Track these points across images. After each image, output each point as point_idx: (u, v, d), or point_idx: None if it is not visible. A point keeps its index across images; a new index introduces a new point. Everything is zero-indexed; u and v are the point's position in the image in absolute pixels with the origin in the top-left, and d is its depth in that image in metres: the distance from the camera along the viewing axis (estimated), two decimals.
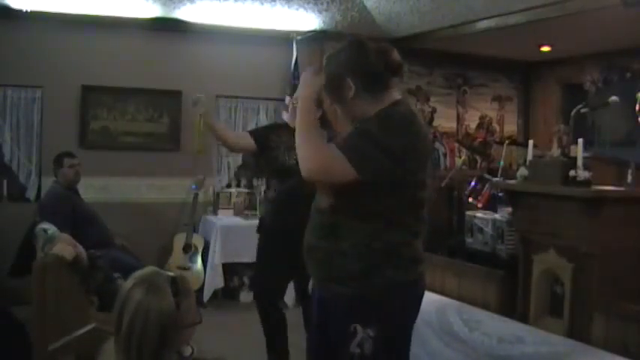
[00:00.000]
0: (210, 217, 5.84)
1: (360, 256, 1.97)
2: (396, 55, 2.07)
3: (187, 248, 5.52)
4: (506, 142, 5.13)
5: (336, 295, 2.03)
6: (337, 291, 2.02)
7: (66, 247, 3.61)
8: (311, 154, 1.95)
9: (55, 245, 3.60)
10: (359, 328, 1.97)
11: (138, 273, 1.71)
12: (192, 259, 5.52)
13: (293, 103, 3.35)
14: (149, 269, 1.73)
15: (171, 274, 1.72)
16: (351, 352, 1.96)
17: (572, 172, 3.36)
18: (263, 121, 6.03)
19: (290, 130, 3.46)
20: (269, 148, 3.60)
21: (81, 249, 3.71)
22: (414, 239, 2.06)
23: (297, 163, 3.20)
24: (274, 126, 3.99)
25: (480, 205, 4.89)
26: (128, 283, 1.67)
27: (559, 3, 4.55)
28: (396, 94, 2.08)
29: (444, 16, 5.47)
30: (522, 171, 3.79)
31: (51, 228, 4.10)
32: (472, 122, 7.18)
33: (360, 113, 2.06)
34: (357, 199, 1.97)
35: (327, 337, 2.10)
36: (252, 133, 3.77)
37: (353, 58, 2.05)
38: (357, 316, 1.98)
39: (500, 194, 4.73)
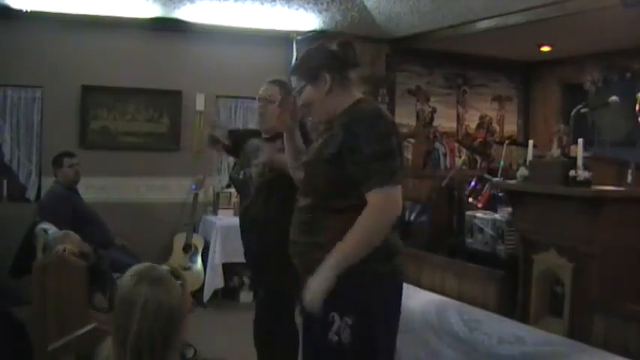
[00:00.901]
0: (210, 217, 5.84)
1: None
2: (354, 46, 2.19)
3: (187, 248, 5.53)
4: (506, 142, 5.13)
5: None
6: None
7: (70, 244, 3.64)
8: (383, 225, 2.03)
9: (60, 243, 3.61)
10: (336, 316, 2.03)
11: (136, 271, 1.64)
12: (192, 259, 5.52)
13: (260, 106, 3.07)
14: (144, 265, 1.68)
15: (166, 267, 1.69)
16: (329, 339, 2.02)
17: (572, 172, 3.36)
18: None
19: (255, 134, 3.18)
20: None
21: (87, 247, 3.74)
22: (389, 231, 2.12)
23: (244, 180, 3.07)
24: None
25: (479, 205, 4.89)
26: (129, 282, 1.60)
27: (559, 3, 4.55)
28: (356, 91, 2.20)
29: (444, 16, 5.47)
30: (522, 171, 3.79)
31: (51, 228, 4.11)
32: (472, 122, 7.17)
33: (331, 107, 2.16)
34: (334, 197, 2.07)
35: (312, 328, 2.16)
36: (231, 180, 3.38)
37: (332, 54, 2.16)
38: (335, 305, 2.04)
39: (500, 194, 4.73)
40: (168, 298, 1.58)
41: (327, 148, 2.09)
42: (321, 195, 2.10)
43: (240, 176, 3.14)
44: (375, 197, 2.00)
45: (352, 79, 2.20)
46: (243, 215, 3.10)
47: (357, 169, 2.02)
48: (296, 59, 2.32)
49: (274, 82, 3.10)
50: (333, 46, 2.17)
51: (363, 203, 2.02)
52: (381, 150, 2.02)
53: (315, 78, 2.14)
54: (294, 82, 2.24)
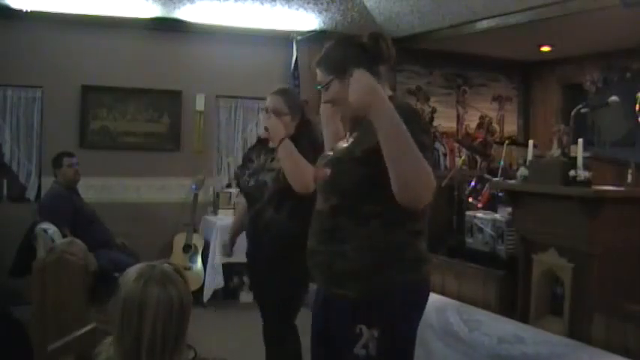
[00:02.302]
0: (210, 217, 5.84)
1: (362, 258, 1.95)
2: (389, 41, 2.05)
3: (187, 248, 5.53)
4: (506, 142, 5.14)
5: (340, 298, 2.01)
6: (341, 293, 2.00)
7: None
8: (427, 177, 1.81)
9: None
10: (364, 329, 1.95)
11: (140, 272, 1.60)
12: (192, 259, 5.52)
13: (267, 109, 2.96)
14: (146, 265, 1.64)
15: (167, 265, 1.66)
16: (356, 353, 1.94)
17: (572, 172, 3.36)
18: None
19: (265, 149, 3.09)
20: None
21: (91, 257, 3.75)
22: (415, 239, 2.04)
23: (256, 187, 3.03)
24: (250, 150, 3.36)
25: (480, 205, 4.89)
26: (136, 284, 1.57)
27: (559, 3, 4.55)
28: (388, 90, 2.06)
29: (444, 16, 5.47)
30: (522, 171, 3.79)
31: (51, 228, 4.12)
32: (472, 122, 7.18)
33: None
34: (360, 199, 1.96)
35: (330, 340, 2.08)
36: (241, 189, 3.33)
37: (362, 46, 2.02)
38: (362, 318, 1.95)
39: (500, 194, 4.73)
40: (179, 295, 1.57)
41: (359, 146, 1.96)
42: (347, 196, 1.97)
43: (251, 183, 3.09)
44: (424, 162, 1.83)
45: (383, 75, 2.03)
46: (254, 219, 3.05)
47: None
48: (323, 51, 2.12)
49: (277, 92, 3.06)
50: (364, 39, 2.03)
51: (390, 209, 1.90)
52: (426, 143, 1.90)
53: (342, 72, 1.99)
54: (319, 75, 2.08)
